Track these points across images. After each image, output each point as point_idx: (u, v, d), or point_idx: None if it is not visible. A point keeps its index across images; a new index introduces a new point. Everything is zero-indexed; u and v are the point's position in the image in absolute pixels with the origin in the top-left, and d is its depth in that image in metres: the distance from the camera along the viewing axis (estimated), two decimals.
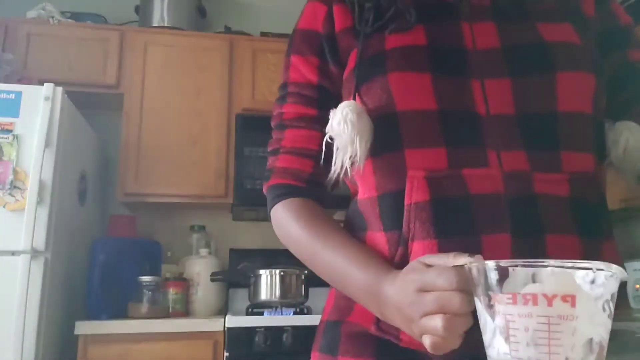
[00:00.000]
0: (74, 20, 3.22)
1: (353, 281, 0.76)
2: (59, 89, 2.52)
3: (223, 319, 2.58)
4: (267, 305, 2.78)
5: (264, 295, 2.81)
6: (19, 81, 2.67)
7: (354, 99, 0.84)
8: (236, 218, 3.37)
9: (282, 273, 2.81)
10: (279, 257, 2.98)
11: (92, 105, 3.19)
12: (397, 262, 0.77)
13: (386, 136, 0.81)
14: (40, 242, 2.34)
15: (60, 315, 2.55)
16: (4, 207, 2.34)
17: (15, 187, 2.37)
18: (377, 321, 0.79)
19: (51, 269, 2.40)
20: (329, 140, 0.83)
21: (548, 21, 0.84)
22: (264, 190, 0.95)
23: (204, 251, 3.10)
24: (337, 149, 0.82)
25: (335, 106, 0.83)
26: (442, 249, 0.72)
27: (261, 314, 2.70)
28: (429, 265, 0.64)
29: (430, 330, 0.60)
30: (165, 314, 2.75)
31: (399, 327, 0.69)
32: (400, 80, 0.80)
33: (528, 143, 0.76)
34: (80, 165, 2.86)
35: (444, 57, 0.81)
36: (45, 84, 2.50)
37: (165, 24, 3.31)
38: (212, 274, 2.89)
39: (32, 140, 2.42)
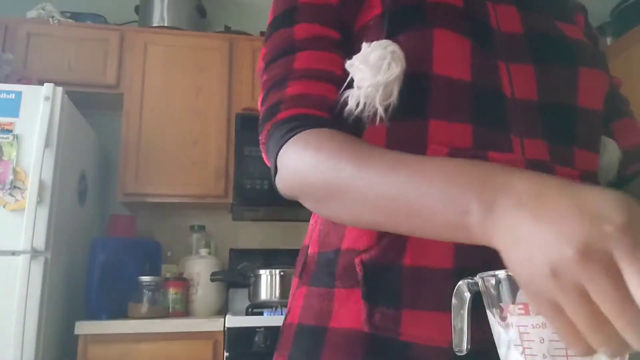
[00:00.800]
0: (73, 20, 3.22)
1: (436, 188, 0.51)
2: (59, 89, 2.52)
3: (223, 319, 2.57)
4: (267, 305, 2.78)
5: (263, 295, 2.81)
6: (19, 81, 2.66)
7: None
8: (236, 218, 3.37)
9: (282, 273, 2.81)
10: (279, 257, 2.98)
11: (92, 105, 3.19)
12: (380, 251, 0.67)
13: (412, 99, 0.69)
14: (40, 242, 2.33)
15: (60, 315, 2.54)
16: (4, 207, 2.34)
17: (15, 187, 2.37)
18: (369, 317, 0.67)
19: (51, 269, 2.39)
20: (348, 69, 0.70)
21: (563, 20, 0.81)
22: (264, 134, 0.72)
23: (204, 251, 3.10)
24: (360, 89, 0.68)
25: (349, 52, 0.71)
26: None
27: (261, 314, 2.70)
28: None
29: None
30: (165, 314, 2.75)
31: (506, 249, 0.44)
32: (446, 39, 0.71)
33: (547, 133, 0.72)
34: (80, 165, 2.86)
35: (477, 28, 0.74)
36: (45, 84, 2.50)
37: (165, 24, 3.31)
38: (212, 274, 2.89)
39: (32, 140, 2.41)
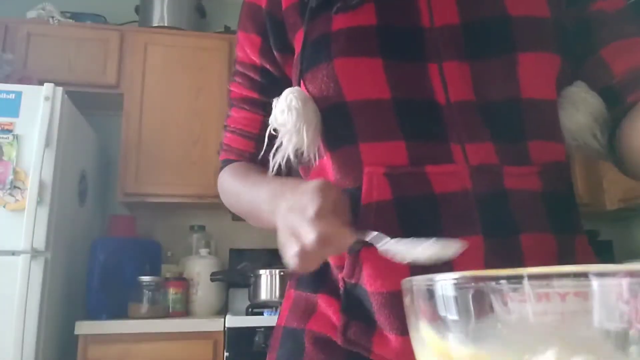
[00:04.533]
0: (74, 20, 3.21)
1: (261, 195, 0.76)
2: (59, 89, 2.52)
3: (223, 319, 2.57)
4: (267, 305, 2.78)
5: (264, 295, 2.81)
6: (19, 81, 2.66)
7: (299, 86, 0.77)
8: (236, 218, 3.36)
9: (282, 273, 2.81)
10: (279, 257, 2.97)
11: (92, 105, 3.19)
12: (352, 269, 0.71)
13: (338, 128, 0.74)
14: (40, 242, 2.33)
15: (60, 315, 2.55)
16: (4, 207, 2.34)
17: (15, 187, 2.37)
18: (344, 330, 0.71)
19: (51, 269, 2.39)
20: (272, 132, 0.78)
21: None
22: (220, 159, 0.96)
23: (204, 251, 3.10)
24: (281, 141, 0.77)
25: (281, 92, 0.77)
26: None
27: (261, 314, 2.70)
28: (329, 190, 0.61)
29: (286, 252, 0.60)
30: (165, 314, 2.75)
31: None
32: (347, 66, 0.72)
33: (494, 133, 0.69)
34: (80, 165, 2.86)
35: (397, 38, 0.72)
36: (45, 84, 2.50)
37: (165, 24, 3.31)
38: (212, 274, 2.89)
39: (32, 141, 2.41)
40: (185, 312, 2.91)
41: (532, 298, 0.31)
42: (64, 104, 2.54)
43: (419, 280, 0.36)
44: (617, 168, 0.79)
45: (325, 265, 0.76)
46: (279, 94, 0.78)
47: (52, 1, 3.23)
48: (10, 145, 2.40)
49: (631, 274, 0.30)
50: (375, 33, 0.72)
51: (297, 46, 0.79)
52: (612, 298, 0.30)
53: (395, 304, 0.67)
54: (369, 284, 0.69)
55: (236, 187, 0.85)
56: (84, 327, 2.44)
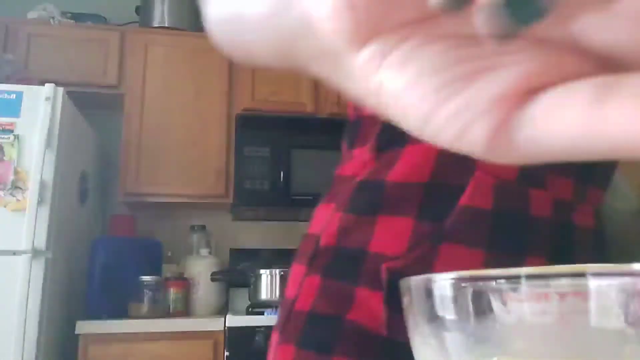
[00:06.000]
0: (74, 20, 3.22)
1: None
2: (60, 89, 2.53)
3: (223, 319, 2.58)
4: (268, 304, 2.78)
5: (264, 294, 2.81)
6: (20, 81, 2.65)
7: None
8: (236, 218, 3.37)
9: (282, 273, 2.81)
10: (279, 257, 2.98)
11: (92, 105, 3.18)
12: (417, 256, 0.66)
13: None
14: (41, 242, 2.34)
15: (60, 315, 2.55)
16: (5, 207, 2.34)
17: (16, 187, 2.37)
18: (390, 320, 0.66)
19: (52, 268, 2.40)
20: None
21: None
22: None
23: (204, 251, 3.11)
24: None
25: None
26: (488, 262, 0.65)
27: (262, 313, 2.70)
28: None
29: None
30: (166, 314, 2.75)
31: None
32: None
33: (578, 170, 0.72)
34: (81, 165, 2.86)
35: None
36: (46, 84, 2.50)
37: (166, 25, 3.31)
38: (213, 274, 2.90)
39: (33, 141, 2.42)
40: (186, 311, 2.91)
41: (529, 297, 0.29)
42: (64, 104, 2.54)
43: (417, 280, 0.35)
44: None
45: (361, 254, 0.71)
46: None
47: (53, 2, 3.23)
48: (11, 145, 2.40)
49: (628, 274, 0.29)
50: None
51: None
52: (608, 298, 0.29)
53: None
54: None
55: None
56: (84, 327, 2.45)
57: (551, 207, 0.68)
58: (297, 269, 0.78)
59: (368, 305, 0.68)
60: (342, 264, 0.73)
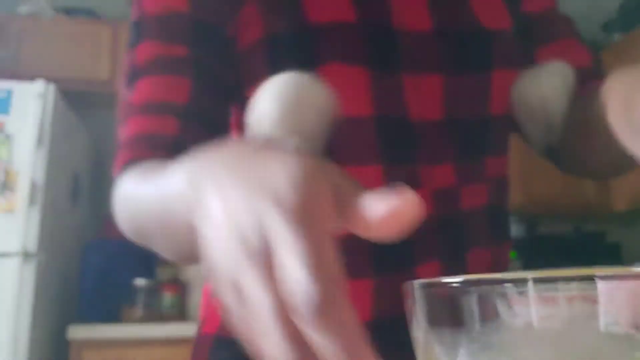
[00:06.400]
0: (66, 15, 3.18)
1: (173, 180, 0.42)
2: (51, 86, 2.50)
3: None
4: None
5: None
6: (10, 78, 2.62)
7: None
8: None
9: None
10: None
11: (85, 103, 3.16)
12: None
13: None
14: (32, 244, 2.31)
15: (52, 319, 2.53)
16: None
17: (6, 187, 2.33)
18: None
19: (43, 271, 2.37)
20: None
21: None
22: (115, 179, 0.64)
23: None
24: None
25: (222, 45, 0.63)
26: (377, 289, 0.62)
27: None
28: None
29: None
30: (160, 318, 2.71)
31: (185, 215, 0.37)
32: (339, 74, 0.61)
33: (456, 153, 0.66)
34: (73, 165, 2.83)
35: (377, 42, 0.63)
36: (37, 80, 2.47)
37: None
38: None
39: (23, 140, 2.39)
40: (181, 315, 2.88)
41: (536, 302, 0.29)
42: (56, 102, 2.51)
43: (421, 284, 0.34)
44: (557, 164, 0.78)
45: None
46: (219, 47, 0.64)
47: None
48: (1, 144, 2.37)
49: (636, 277, 0.29)
50: (358, 33, 0.62)
51: (255, 27, 0.64)
52: (617, 302, 0.29)
53: None
54: None
55: (137, 189, 0.54)
56: (77, 332, 2.41)
57: (432, 201, 0.64)
58: (207, 288, 0.75)
59: None
60: None
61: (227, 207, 0.31)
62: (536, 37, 0.75)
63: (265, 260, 0.27)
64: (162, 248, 0.57)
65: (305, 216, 0.28)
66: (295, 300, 0.25)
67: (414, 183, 0.63)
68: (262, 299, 0.27)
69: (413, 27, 0.64)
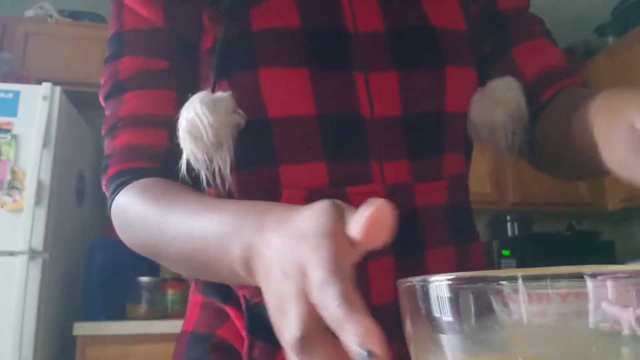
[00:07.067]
0: (72, 19, 3.20)
1: (211, 225, 0.51)
2: (57, 88, 2.51)
3: None
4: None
5: None
6: (17, 80, 2.64)
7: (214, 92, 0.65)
8: None
9: None
10: None
11: (90, 104, 3.12)
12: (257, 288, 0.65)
13: (255, 147, 0.65)
14: (38, 243, 2.32)
15: (58, 316, 2.53)
16: (2, 207, 2.32)
17: (13, 187, 2.35)
18: (249, 351, 0.65)
19: (49, 269, 2.38)
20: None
21: None
22: (103, 187, 0.70)
23: None
24: (187, 159, 0.63)
25: (191, 55, 0.67)
26: None
27: None
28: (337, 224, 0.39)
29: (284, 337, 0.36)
30: (164, 315, 2.72)
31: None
32: (275, 78, 0.64)
33: (411, 149, 0.66)
34: (79, 164, 2.84)
35: (323, 44, 0.65)
36: (44, 83, 2.48)
37: None
38: None
39: (30, 140, 2.40)
40: (184, 312, 2.85)
41: (526, 299, 0.30)
42: (62, 104, 2.53)
43: (414, 281, 0.35)
44: (533, 165, 0.79)
45: None
46: (194, 58, 0.68)
47: (50, 0, 3.21)
48: (8, 145, 2.38)
49: (626, 275, 0.30)
50: (301, 37, 0.64)
51: (209, 32, 0.68)
52: (605, 299, 0.30)
53: None
54: None
55: (156, 216, 0.58)
56: (82, 328, 2.42)
57: (385, 197, 0.64)
58: (192, 287, 0.79)
59: (237, 326, 0.68)
60: (214, 283, 0.73)
61: (274, 251, 0.41)
62: (511, 36, 0.77)
63: (300, 286, 0.36)
64: (175, 268, 0.63)
65: (332, 260, 0.36)
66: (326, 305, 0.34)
67: (363, 179, 0.64)
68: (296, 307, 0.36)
69: (364, 28, 0.67)
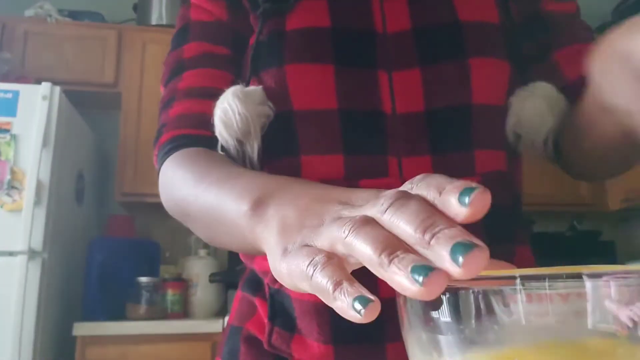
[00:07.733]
0: (71, 18, 3.20)
1: (230, 200, 0.52)
2: (57, 88, 2.51)
3: (222, 321, 2.56)
4: None
5: None
6: (17, 80, 2.64)
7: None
8: None
9: None
10: None
11: (89, 104, 3.17)
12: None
13: (282, 138, 0.70)
14: (37, 243, 2.32)
15: (57, 316, 2.54)
16: (1, 207, 2.32)
17: (12, 187, 2.35)
18: (269, 335, 0.68)
19: (49, 269, 2.38)
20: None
21: None
22: (154, 157, 0.75)
23: (202, 252, 3.08)
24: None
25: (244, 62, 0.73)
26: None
27: None
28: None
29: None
30: (164, 315, 2.73)
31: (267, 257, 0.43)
32: (299, 74, 0.69)
33: (436, 145, 0.67)
34: (78, 164, 2.84)
35: (350, 44, 0.70)
36: (43, 83, 2.49)
37: (164, 23, 3.29)
38: (211, 275, 2.87)
39: (29, 140, 2.40)
40: (184, 313, 2.89)
41: (528, 299, 0.30)
42: (61, 103, 2.53)
43: None
44: (565, 170, 0.79)
45: (253, 270, 0.77)
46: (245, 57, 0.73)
47: (49, 0, 3.22)
48: (8, 144, 2.38)
49: (623, 275, 0.30)
50: (329, 36, 0.69)
51: (254, 30, 0.74)
52: (605, 299, 0.30)
53: (319, 312, 0.66)
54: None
55: (193, 180, 0.62)
56: (81, 328, 2.43)
57: None
58: (237, 295, 0.83)
59: (262, 316, 0.72)
60: (249, 278, 0.79)
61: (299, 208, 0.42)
62: (555, 39, 0.76)
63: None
64: (198, 229, 0.66)
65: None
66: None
67: (378, 173, 0.66)
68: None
69: (392, 29, 0.70)
